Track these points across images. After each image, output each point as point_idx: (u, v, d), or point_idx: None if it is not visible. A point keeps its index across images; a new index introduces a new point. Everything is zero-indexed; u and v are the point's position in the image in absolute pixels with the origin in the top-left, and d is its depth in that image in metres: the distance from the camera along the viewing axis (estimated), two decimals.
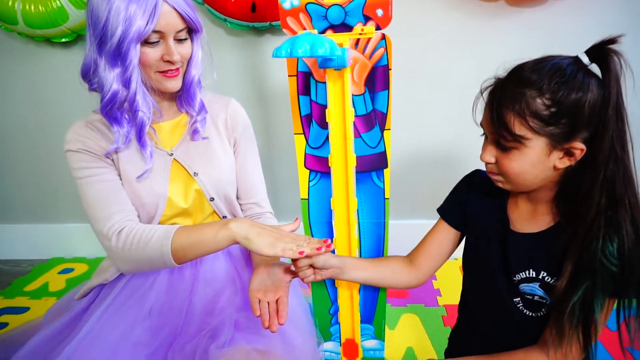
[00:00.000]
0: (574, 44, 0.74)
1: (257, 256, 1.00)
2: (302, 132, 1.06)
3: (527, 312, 0.80)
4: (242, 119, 1.08)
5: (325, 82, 0.96)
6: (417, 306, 1.66)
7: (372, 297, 1.19)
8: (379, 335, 1.24)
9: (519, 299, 0.80)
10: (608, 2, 1.60)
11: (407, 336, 1.50)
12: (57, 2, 1.60)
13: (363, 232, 1.11)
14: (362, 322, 1.21)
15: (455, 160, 1.86)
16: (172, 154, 0.99)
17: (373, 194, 1.08)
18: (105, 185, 0.92)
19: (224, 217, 1.06)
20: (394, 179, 1.11)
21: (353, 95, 1.00)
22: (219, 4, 1.59)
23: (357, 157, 1.03)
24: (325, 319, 1.23)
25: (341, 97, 0.97)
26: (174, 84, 0.93)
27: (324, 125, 1.03)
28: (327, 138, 1.02)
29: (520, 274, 0.79)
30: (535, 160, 0.71)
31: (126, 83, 0.87)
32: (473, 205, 0.89)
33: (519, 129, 0.68)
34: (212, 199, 1.02)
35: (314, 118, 1.04)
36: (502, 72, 0.74)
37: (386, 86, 0.99)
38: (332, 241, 0.84)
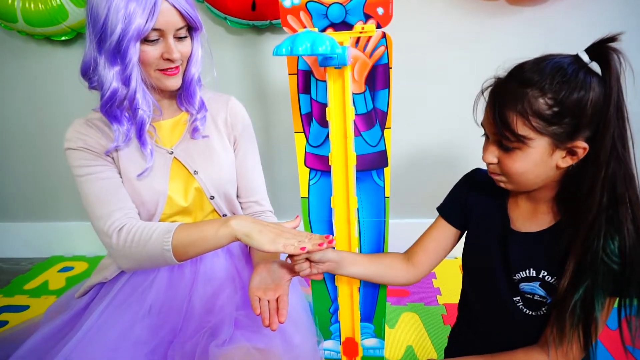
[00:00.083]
0: (573, 42, 0.74)
1: (257, 255, 1.00)
2: (302, 131, 1.06)
3: (527, 311, 0.80)
4: (242, 118, 1.08)
5: (325, 81, 0.96)
6: (417, 305, 1.66)
7: (372, 295, 1.19)
8: (379, 334, 1.24)
9: (519, 298, 0.80)
10: (607, 0, 1.60)
11: (407, 335, 1.50)
12: (57, 0, 1.60)
13: (363, 230, 1.11)
14: (362, 320, 1.21)
15: (456, 159, 1.86)
16: (172, 153, 0.99)
17: (373, 192, 1.08)
18: (105, 183, 0.92)
19: (224, 215, 1.06)
20: (394, 177, 1.11)
21: (353, 93, 1.00)
22: (219, 3, 1.59)
23: (357, 156, 1.03)
24: (325, 318, 1.23)
25: (341, 95, 0.96)
26: (174, 82, 0.93)
27: (324, 123, 1.02)
28: (328, 136, 1.01)
29: (521, 273, 0.79)
30: (538, 160, 0.70)
31: (126, 81, 0.87)
32: (473, 204, 0.89)
33: (521, 129, 0.68)
34: (212, 198, 1.02)
35: (314, 116, 1.04)
36: (502, 72, 0.74)
37: (386, 85, 0.99)
38: (333, 237, 0.84)
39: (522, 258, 0.79)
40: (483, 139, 0.79)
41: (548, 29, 1.64)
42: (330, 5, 0.93)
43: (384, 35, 0.95)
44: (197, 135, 1.01)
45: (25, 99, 1.99)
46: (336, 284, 1.15)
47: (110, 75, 0.86)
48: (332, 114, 0.98)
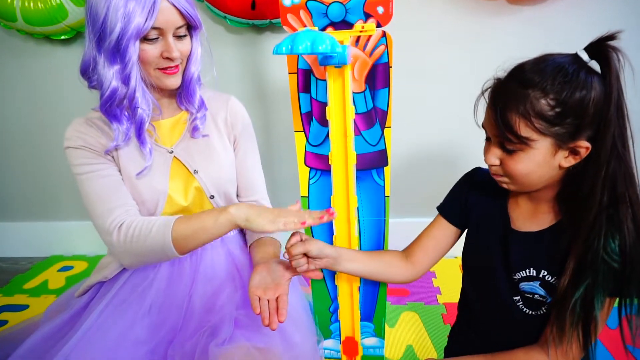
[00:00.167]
0: (574, 41, 0.74)
1: (257, 254, 1.00)
2: (302, 130, 1.06)
3: (527, 311, 0.80)
4: (242, 117, 1.08)
5: (325, 80, 0.96)
6: (417, 304, 1.66)
7: (372, 295, 1.19)
8: (379, 333, 1.24)
9: (519, 297, 0.80)
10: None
11: (407, 334, 1.50)
12: None
13: (363, 230, 1.11)
14: (362, 319, 1.21)
15: (456, 158, 1.86)
16: (172, 152, 0.99)
17: (373, 191, 1.08)
18: (106, 181, 0.92)
19: None
20: (394, 176, 1.11)
21: (353, 92, 0.99)
22: (219, 1, 1.59)
23: (357, 155, 1.03)
24: (325, 317, 1.23)
25: (341, 94, 0.96)
26: (174, 81, 0.93)
27: (324, 122, 1.02)
28: (328, 136, 1.01)
29: (521, 272, 0.79)
30: (541, 161, 0.70)
31: (125, 80, 0.87)
32: (473, 204, 0.89)
33: (524, 130, 0.68)
34: (212, 197, 1.02)
35: (314, 116, 1.04)
36: (501, 73, 0.74)
37: (387, 84, 0.99)
38: (334, 210, 0.84)
39: (523, 258, 0.79)
40: (483, 137, 0.79)
41: (548, 28, 1.64)
42: (330, 4, 0.93)
43: (384, 34, 0.95)
44: (197, 134, 1.01)
45: (24, 98, 1.98)
46: (336, 283, 1.15)
47: (109, 74, 0.86)
48: (332, 113, 0.98)
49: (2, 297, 1.86)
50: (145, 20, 0.82)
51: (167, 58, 0.89)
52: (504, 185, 0.78)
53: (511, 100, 0.69)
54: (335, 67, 0.93)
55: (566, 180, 0.74)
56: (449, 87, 1.76)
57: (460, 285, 0.97)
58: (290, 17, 0.96)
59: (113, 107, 0.89)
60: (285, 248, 0.87)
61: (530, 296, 0.79)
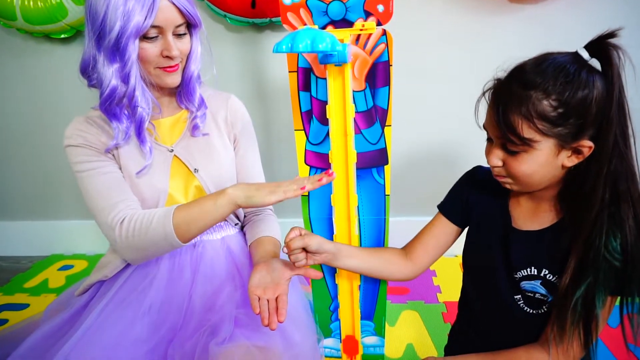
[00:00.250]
0: (574, 40, 0.73)
1: (257, 253, 1.00)
2: (302, 129, 1.06)
3: (528, 310, 0.80)
4: (242, 115, 1.08)
5: (325, 78, 0.96)
6: (417, 303, 1.66)
7: (373, 293, 1.18)
8: (379, 332, 1.24)
9: (519, 296, 0.80)
10: None
11: (407, 333, 1.50)
12: None
13: (363, 228, 1.11)
14: (362, 318, 1.21)
15: (456, 156, 1.86)
16: (172, 150, 0.99)
17: (373, 190, 1.08)
18: (107, 177, 0.92)
19: None
20: (395, 175, 1.11)
21: (354, 91, 0.99)
22: (219, 0, 1.59)
23: (357, 154, 1.03)
24: (325, 316, 1.23)
25: (342, 93, 0.96)
26: (173, 79, 0.93)
27: (324, 121, 1.02)
28: (328, 134, 1.01)
29: (522, 271, 0.78)
30: (544, 162, 0.70)
31: (125, 78, 0.87)
32: (474, 202, 0.89)
33: (527, 132, 0.68)
34: (208, 195, 1.02)
35: (314, 114, 1.04)
36: (501, 73, 0.73)
37: (387, 82, 0.99)
38: (332, 171, 0.85)
39: (524, 256, 0.78)
40: (483, 136, 0.79)
41: (548, 26, 1.64)
42: (330, 2, 0.93)
43: (384, 33, 0.95)
44: (197, 132, 1.01)
45: (24, 97, 1.98)
46: (336, 282, 1.15)
47: (109, 73, 0.86)
48: (332, 112, 0.98)
49: (2, 296, 1.86)
50: (145, 19, 0.82)
51: (167, 57, 0.89)
52: (507, 186, 0.77)
53: (513, 101, 0.68)
54: (336, 65, 0.93)
55: (568, 178, 0.74)
56: (449, 85, 1.76)
57: (460, 284, 0.97)
58: (290, 16, 0.96)
59: (113, 106, 0.89)
60: (285, 242, 0.87)
61: (531, 295, 0.78)
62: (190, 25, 0.92)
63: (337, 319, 1.21)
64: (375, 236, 1.12)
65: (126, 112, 0.92)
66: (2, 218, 2.23)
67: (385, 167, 1.05)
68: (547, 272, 0.76)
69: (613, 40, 0.66)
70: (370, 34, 0.95)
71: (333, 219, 1.08)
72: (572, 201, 0.73)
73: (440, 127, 1.83)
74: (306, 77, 1.01)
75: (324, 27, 0.96)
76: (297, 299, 1.05)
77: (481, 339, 0.90)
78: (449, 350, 1.02)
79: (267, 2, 1.56)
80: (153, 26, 0.84)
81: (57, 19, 1.65)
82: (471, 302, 0.92)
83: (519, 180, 0.74)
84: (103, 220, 0.90)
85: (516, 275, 0.79)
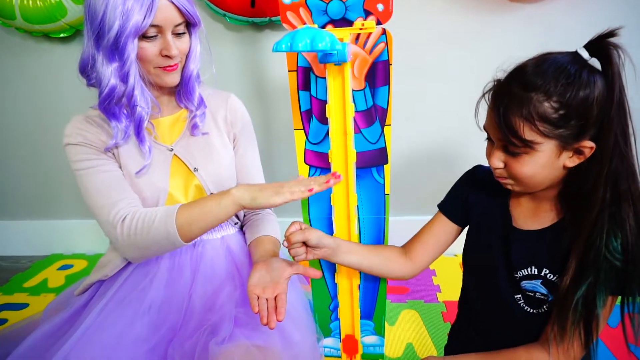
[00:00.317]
0: (574, 39, 0.73)
1: (256, 252, 1.00)
2: (302, 128, 1.06)
3: (528, 309, 0.80)
4: (242, 115, 1.08)
5: (325, 78, 0.96)
6: (416, 302, 1.66)
7: (372, 293, 1.18)
8: (379, 331, 1.24)
9: (520, 295, 0.80)
10: None
11: (407, 332, 1.50)
12: None
13: (363, 228, 1.11)
14: (362, 318, 1.21)
15: (456, 156, 1.86)
16: (172, 149, 0.99)
17: (373, 189, 1.07)
18: (107, 175, 0.92)
19: None
20: (394, 174, 1.11)
21: (353, 90, 0.99)
22: None
23: (357, 153, 1.02)
24: (325, 315, 1.23)
25: (341, 92, 0.96)
26: (173, 78, 0.93)
27: (324, 120, 1.02)
28: (327, 134, 1.01)
29: (522, 271, 0.78)
30: (546, 163, 0.70)
31: (124, 78, 0.87)
32: (474, 202, 0.89)
33: (528, 134, 0.67)
34: (212, 194, 1.02)
35: (314, 113, 1.04)
36: (501, 74, 0.73)
37: (386, 81, 0.99)
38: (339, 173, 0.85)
39: (524, 256, 0.78)
40: (483, 135, 0.78)
41: (548, 26, 1.64)
42: (330, 1, 0.93)
43: (384, 32, 0.95)
44: (197, 132, 1.01)
45: (24, 97, 1.98)
46: (336, 281, 1.15)
47: (108, 72, 0.86)
48: (331, 111, 0.98)
49: (2, 296, 1.86)
50: (144, 18, 0.82)
51: (166, 56, 0.89)
52: (509, 187, 0.77)
53: (514, 103, 0.68)
54: (335, 64, 0.93)
55: (568, 178, 0.73)
56: (449, 84, 1.76)
57: (460, 283, 0.97)
58: (289, 15, 0.96)
59: (112, 105, 0.89)
60: (285, 236, 0.87)
61: (532, 294, 0.78)
62: (190, 24, 0.92)
63: (337, 319, 1.21)
64: (375, 235, 1.12)
65: (125, 111, 0.92)
66: (1, 217, 2.22)
67: (385, 166, 1.05)
68: (547, 271, 0.76)
69: (613, 40, 0.66)
70: (369, 33, 0.95)
71: (333, 219, 1.08)
72: (572, 201, 0.73)
73: (440, 126, 1.83)
74: (306, 77, 1.01)
75: (323, 26, 0.96)
76: (296, 298, 1.05)
77: (481, 338, 0.90)
78: (449, 349, 1.02)
79: (267, 1, 1.56)
80: (152, 25, 0.84)
81: (56, 18, 1.64)
82: (471, 302, 0.92)
83: (521, 182, 0.74)
84: (104, 219, 0.89)
85: (516, 275, 0.79)
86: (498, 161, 0.74)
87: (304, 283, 1.22)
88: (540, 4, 1.62)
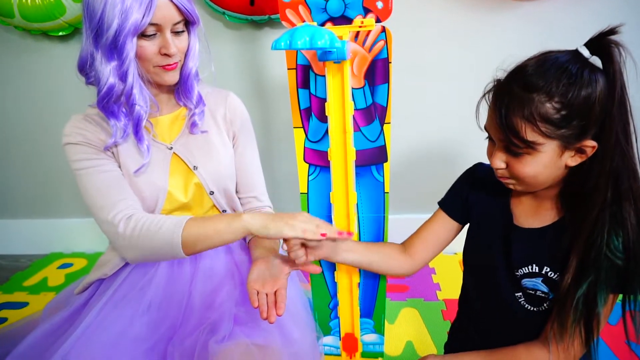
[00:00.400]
0: (574, 37, 0.73)
1: (256, 250, 1.00)
2: (301, 126, 1.05)
3: (529, 307, 0.80)
4: (241, 113, 1.08)
5: (324, 76, 0.96)
6: (416, 300, 1.66)
7: (372, 291, 1.18)
8: (379, 330, 1.24)
9: (520, 293, 0.80)
10: None
11: (407, 330, 1.50)
12: None
13: (363, 226, 1.11)
14: (361, 316, 1.21)
15: (456, 154, 1.86)
16: (171, 148, 0.99)
17: (373, 188, 1.07)
18: (107, 175, 0.92)
19: (224, 211, 1.06)
20: (394, 173, 1.11)
21: (353, 88, 0.99)
22: None
23: (356, 151, 1.02)
24: (324, 314, 1.23)
25: (341, 90, 0.96)
26: (172, 77, 0.93)
27: (323, 118, 1.02)
28: (327, 132, 1.01)
29: (523, 269, 0.78)
30: (548, 163, 0.70)
31: (123, 77, 0.86)
32: (475, 200, 0.89)
33: (530, 135, 0.67)
34: (211, 193, 1.02)
35: (313, 112, 1.03)
36: (501, 73, 0.73)
37: (386, 79, 0.99)
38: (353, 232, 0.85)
39: (525, 254, 0.78)
40: (483, 133, 0.78)
41: (548, 24, 1.63)
42: None
43: (383, 30, 0.95)
44: (196, 130, 1.00)
45: (23, 95, 1.98)
46: (336, 280, 1.15)
47: (107, 71, 0.86)
48: (331, 109, 0.97)
49: (1, 295, 1.86)
50: (143, 17, 0.82)
51: (165, 54, 0.88)
52: (511, 186, 0.77)
53: (515, 104, 0.67)
54: (335, 62, 0.93)
55: (570, 177, 0.73)
56: (449, 83, 1.75)
57: (460, 282, 0.97)
58: (289, 13, 0.96)
59: (110, 104, 0.89)
60: (283, 239, 0.87)
61: (533, 292, 0.78)
62: (188, 22, 0.92)
63: (337, 317, 1.21)
64: (374, 234, 1.11)
65: (124, 110, 0.92)
66: (1, 216, 2.22)
67: (385, 164, 1.05)
68: (548, 269, 0.76)
69: (614, 37, 0.65)
70: (369, 31, 0.95)
71: (332, 217, 1.08)
72: (574, 199, 0.73)
73: (440, 124, 1.83)
74: (305, 75, 1.01)
75: (322, 24, 0.96)
76: (296, 296, 1.05)
77: (481, 336, 0.90)
78: (449, 347, 1.02)
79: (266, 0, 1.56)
80: (151, 24, 0.84)
81: (55, 17, 1.64)
82: (471, 300, 0.92)
83: (523, 181, 0.73)
84: (103, 218, 0.89)
85: (517, 273, 0.79)
86: (500, 161, 0.74)
87: (304, 281, 1.22)
88: (540, 2, 1.62)
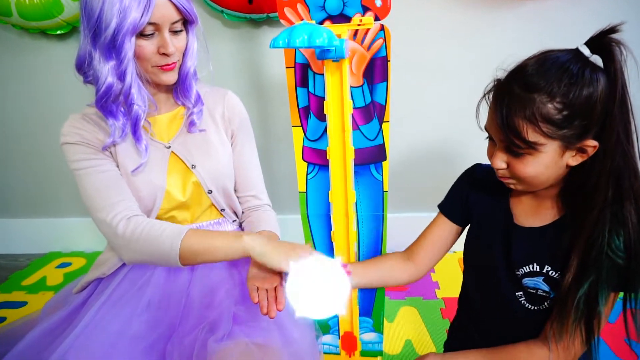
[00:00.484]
0: (574, 35, 0.73)
1: None
2: (299, 125, 1.05)
3: (529, 306, 0.80)
4: (240, 111, 1.08)
5: (323, 74, 0.96)
6: (415, 299, 1.66)
7: (371, 290, 1.19)
8: (378, 328, 1.24)
9: (521, 293, 0.80)
10: None
11: (406, 329, 1.50)
12: None
13: (361, 225, 1.11)
14: (360, 315, 1.21)
15: (455, 152, 1.86)
16: (169, 147, 0.99)
17: (371, 186, 1.07)
18: (105, 175, 0.91)
19: (222, 209, 1.06)
20: (393, 171, 1.11)
21: (351, 87, 0.99)
22: None
23: (355, 150, 1.02)
24: None
25: (339, 89, 0.96)
26: (170, 77, 0.93)
27: (322, 117, 1.02)
28: (325, 130, 1.01)
29: (524, 268, 0.78)
30: (549, 163, 0.69)
31: (121, 76, 0.86)
32: (475, 200, 0.88)
33: (532, 136, 0.67)
34: (210, 192, 1.02)
35: (312, 110, 1.03)
36: (501, 73, 0.72)
37: (385, 78, 0.99)
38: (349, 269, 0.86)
39: (526, 253, 0.78)
40: (482, 132, 0.78)
41: (548, 23, 1.63)
42: None
43: (382, 28, 0.95)
44: (194, 129, 1.00)
45: (21, 94, 1.97)
46: None
47: (105, 70, 0.85)
48: (330, 108, 0.97)
49: (0, 294, 1.86)
50: (141, 16, 0.81)
51: (164, 54, 0.88)
52: (511, 186, 0.77)
53: (516, 105, 0.67)
54: (333, 61, 0.93)
55: (570, 175, 0.73)
56: (448, 81, 1.75)
57: (458, 280, 0.97)
58: (287, 11, 0.95)
59: (109, 103, 0.89)
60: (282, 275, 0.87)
61: (534, 291, 0.78)
62: (187, 21, 0.91)
63: (336, 316, 1.21)
64: (373, 232, 1.12)
65: (122, 109, 0.92)
66: (0, 216, 2.22)
67: (384, 163, 1.05)
68: (549, 268, 0.76)
69: (614, 36, 0.65)
70: (368, 29, 0.95)
71: (331, 216, 1.08)
72: (574, 198, 0.73)
73: (439, 123, 1.83)
74: (304, 73, 1.01)
75: (321, 22, 0.95)
76: None
77: (481, 335, 0.90)
78: (449, 346, 1.02)
79: None
80: (149, 23, 0.84)
81: (52, 15, 1.63)
82: (471, 300, 0.92)
83: (524, 181, 0.73)
84: (102, 219, 0.89)
85: (518, 272, 0.79)
86: (501, 162, 0.73)
87: None
88: (539, 1, 1.62)
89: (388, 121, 1.02)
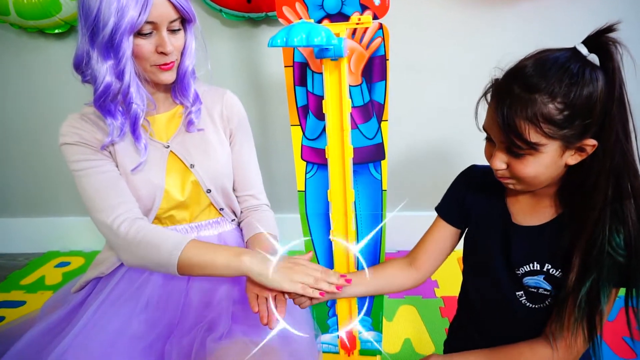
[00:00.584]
0: (573, 34, 0.73)
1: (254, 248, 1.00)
2: (298, 124, 1.05)
3: (530, 305, 0.80)
4: (238, 111, 1.08)
5: (321, 73, 0.95)
6: (414, 298, 1.66)
7: None
8: (377, 327, 1.24)
9: (522, 292, 0.80)
10: None
11: (405, 328, 1.50)
12: None
13: (360, 224, 1.11)
14: (359, 314, 1.21)
15: (453, 151, 1.86)
16: (168, 146, 0.99)
17: (370, 185, 1.07)
18: (105, 177, 0.91)
19: (221, 209, 1.06)
20: (392, 170, 1.11)
21: (350, 86, 0.99)
22: None
23: (354, 149, 1.02)
24: (322, 311, 1.23)
25: (338, 87, 0.96)
26: (169, 76, 0.92)
27: (320, 116, 1.02)
28: (324, 129, 1.01)
29: (524, 267, 0.78)
30: (549, 163, 0.69)
31: (119, 75, 0.86)
32: (472, 201, 0.88)
33: (533, 136, 0.66)
34: (208, 191, 1.02)
35: (310, 109, 1.03)
36: (499, 72, 0.72)
37: (383, 77, 0.98)
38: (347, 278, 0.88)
39: (525, 252, 0.78)
40: (481, 132, 0.78)
41: (546, 21, 1.63)
42: None
43: (380, 27, 0.94)
44: (192, 128, 1.00)
45: (19, 93, 1.97)
46: None
47: (103, 69, 0.85)
48: (328, 107, 0.97)
49: None
50: (139, 15, 0.81)
51: (162, 53, 0.88)
52: (510, 186, 0.76)
53: (517, 106, 0.66)
54: (332, 59, 0.93)
55: (569, 174, 0.73)
56: (447, 80, 1.75)
57: (458, 279, 0.97)
58: (285, 10, 0.95)
59: (107, 102, 0.89)
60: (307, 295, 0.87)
61: (535, 290, 0.78)
62: (185, 20, 0.91)
63: (335, 315, 1.21)
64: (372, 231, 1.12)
65: (121, 108, 0.91)
66: None
67: (382, 162, 1.05)
68: (549, 266, 0.76)
69: (612, 35, 0.65)
70: (366, 28, 0.94)
71: (330, 215, 1.08)
72: (573, 197, 0.73)
73: (438, 121, 1.83)
74: (302, 72, 1.01)
75: (319, 21, 0.95)
76: None
77: (481, 335, 0.90)
78: (449, 346, 1.02)
79: None
80: (147, 22, 0.83)
81: (51, 14, 1.63)
82: (471, 300, 0.92)
83: (524, 181, 0.73)
84: (102, 220, 0.89)
85: (518, 272, 0.79)
86: (500, 162, 0.73)
87: None
88: (538, 0, 1.61)
89: (387, 120, 1.01)
